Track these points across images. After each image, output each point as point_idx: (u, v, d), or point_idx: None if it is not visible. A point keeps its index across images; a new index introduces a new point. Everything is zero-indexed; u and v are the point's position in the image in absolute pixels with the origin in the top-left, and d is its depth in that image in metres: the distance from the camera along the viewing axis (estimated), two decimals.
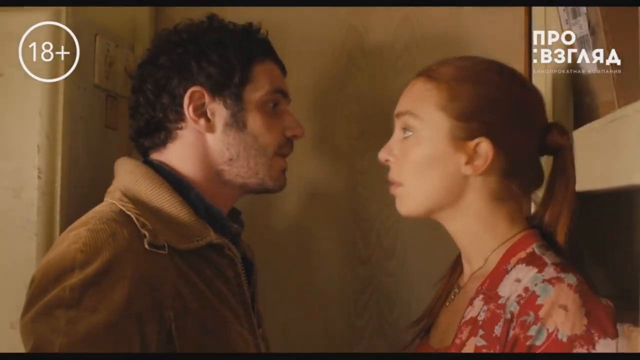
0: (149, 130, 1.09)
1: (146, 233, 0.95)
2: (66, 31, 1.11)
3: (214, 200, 1.08)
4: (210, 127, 1.07)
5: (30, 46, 1.09)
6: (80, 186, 1.16)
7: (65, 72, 1.11)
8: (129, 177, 1.05)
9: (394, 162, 1.04)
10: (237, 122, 1.08)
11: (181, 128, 1.08)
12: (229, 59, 1.08)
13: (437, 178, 1.00)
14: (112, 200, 1.01)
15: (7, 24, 1.10)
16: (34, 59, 1.09)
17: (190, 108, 1.06)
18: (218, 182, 1.10)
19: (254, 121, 1.08)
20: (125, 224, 0.95)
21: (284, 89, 1.15)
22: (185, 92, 1.06)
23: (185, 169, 1.08)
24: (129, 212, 0.97)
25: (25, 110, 1.09)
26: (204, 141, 1.08)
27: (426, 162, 1.00)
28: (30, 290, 0.90)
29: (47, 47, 1.10)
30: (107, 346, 0.84)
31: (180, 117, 1.07)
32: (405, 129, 1.03)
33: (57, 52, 1.10)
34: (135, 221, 0.96)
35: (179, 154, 1.09)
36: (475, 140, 0.98)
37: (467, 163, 0.98)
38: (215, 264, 1.04)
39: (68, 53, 1.11)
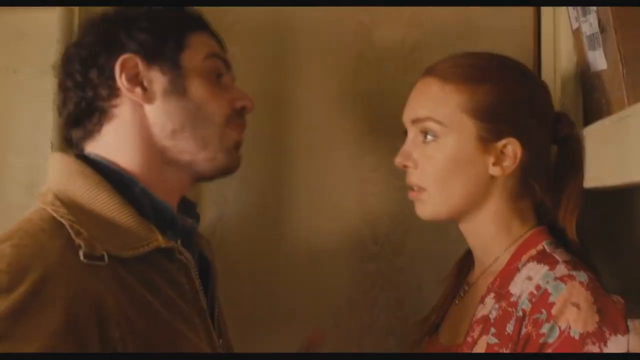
0: (80, 114, 0.97)
1: (81, 243, 0.82)
2: (77, 29, 1.12)
3: (161, 193, 0.96)
4: (148, 97, 0.96)
5: (43, 43, 1.10)
6: None
7: None
8: (61, 176, 0.92)
9: (414, 167, 1.03)
10: (176, 88, 0.97)
11: (115, 105, 0.96)
12: (161, 26, 0.98)
13: (464, 182, 0.99)
14: (44, 204, 0.88)
15: (21, 22, 1.11)
16: (47, 56, 1.09)
17: (123, 77, 0.94)
18: (162, 165, 0.98)
19: (195, 88, 0.97)
20: (56, 235, 0.83)
21: (224, 57, 1.05)
22: (115, 62, 0.95)
23: (125, 155, 0.96)
24: (61, 219, 0.85)
25: (39, 107, 1.10)
26: (142, 115, 0.96)
27: (452, 166, 0.99)
28: None
29: (60, 44, 1.10)
30: None
31: (113, 92, 0.95)
32: (425, 133, 1.01)
33: None
34: (69, 229, 0.84)
35: (115, 137, 0.96)
36: (503, 141, 0.98)
37: (494, 164, 0.98)
38: (165, 270, 0.92)
39: None
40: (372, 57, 1.48)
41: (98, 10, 1.01)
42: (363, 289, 1.48)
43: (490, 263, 1.03)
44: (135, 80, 0.96)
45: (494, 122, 0.98)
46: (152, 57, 0.96)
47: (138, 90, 0.95)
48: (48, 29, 1.10)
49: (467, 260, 1.13)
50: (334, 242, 1.49)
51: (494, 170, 0.98)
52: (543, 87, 1.05)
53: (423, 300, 1.42)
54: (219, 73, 1.02)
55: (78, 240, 0.82)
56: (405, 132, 1.07)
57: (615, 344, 0.86)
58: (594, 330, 0.86)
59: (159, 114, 0.96)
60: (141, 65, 0.96)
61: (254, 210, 1.27)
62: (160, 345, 0.86)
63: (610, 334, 0.86)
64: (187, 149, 0.97)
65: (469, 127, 0.98)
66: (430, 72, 1.04)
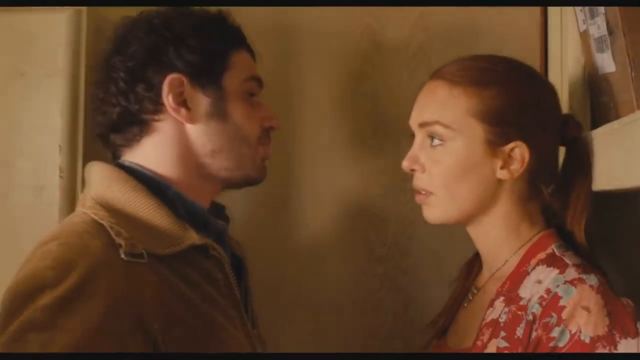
0: (122, 124, 1.01)
1: (122, 242, 0.88)
2: (86, 31, 1.12)
3: (194, 198, 1.02)
4: (191, 117, 1.01)
5: (51, 46, 1.10)
6: None
7: (86, 72, 1.12)
8: (100, 182, 0.98)
9: (421, 171, 1.03)
10: (218, 111, 1.02)
11: (159, 120, 1.00)
12: (207, 46, 1.02)
13: (471, 185, 0.99)
14: (84, 209, 0.94)
15: (28, 24, 1.11)
16: (56, 59, 1.09)
17: (170, 96, 0.99)
18: (198, 177, 1.03)
19: (235, 110, 1.03)
20: (99, 235, 0.88)
21: (259, 77, 1.09)
22: (163, 80, 0.99)
23: (162, 166, 1.01)
24: (101, 221, 0.90)
25: (47, 110, 1.10)
26: (183, 133, 1.01)
27: (460, 170, 0.99)
28: (0, 312, 0.82)
29: (68, 47, 1.10)
30: None
31: (158, 107, 1.00)
32: (432, 137, 1.01)
33: (77, 52, 1.11)
34: (109, 230, 0.89)
35: (154, 149, 1.01)
36: (511, 145, 0.97)
37: (502, 168, 0.98)
38: (201, 266, 0.98)
39: (88, 53, 1.12)
40: (378, 59, 1.48)
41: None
42: (370, 291, 1.48)
43: (499, 266, 1.03)
44: (180, 99, 1.00)
45: (502, 126, 0.97)
46: (197, 78, 1.01)
47: (183, 111, 1.00)
48: (56, 31, 1.10)
49: (475, 262, 1.13)
50: (341, 244, 1.49)
51: (502, 174, 0.98)
52: (551, 90, 1.05)
53: (429, 303, 1.42)
54: (252, 93, 1.07)
55: (119, 240, 0.88)
56: (412, 135, 1.06)
57: (626, 347, 0.86)
58: (604, 334, 0.86)
59: (200, 135, 1.01)
60: (187, 86, 1.00)
61: (260, 212, 1.27)
62: (200, 335, 0.92)
63: (620, 337, 0.86)
64: (224, 166, 1.04)
65: (477, 131, 0.98)
66: (437, 75, 1.04)
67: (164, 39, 1.00)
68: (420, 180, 1.03)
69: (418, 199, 1.05)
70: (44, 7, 1.12)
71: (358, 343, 1.47)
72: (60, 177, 1.09)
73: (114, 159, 1.05)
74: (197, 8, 1.06)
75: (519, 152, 0.97)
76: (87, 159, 1.11)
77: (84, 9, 1.12)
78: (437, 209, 1.03)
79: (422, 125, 1.02)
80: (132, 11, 1.33)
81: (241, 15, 1.15)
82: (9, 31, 1.11)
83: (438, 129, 1.00)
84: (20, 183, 1.10)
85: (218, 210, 1.12)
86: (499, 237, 1.02)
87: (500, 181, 0.99)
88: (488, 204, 1.01)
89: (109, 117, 1.01)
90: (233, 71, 1.04)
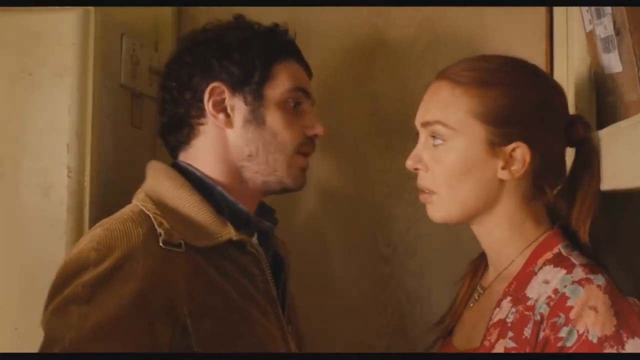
0: (173, 127, 1.12)
1: (162, 232, 0.97)
2: (94, 31, 1.12)
3: (237, 199, 1.09)
4: (229, 123, 1.09)
5: (59, 46, 1.10)
6: (108, 185, 1.17)
7: (93, 71, 1.12)
8: (154, 179, 1.08)
9: (425, 170, 1.03)
10: (256, 119, 1.09)
11: (202, 124, 1.10)
12: (250, 57, 1.09)
13: (473, 185, 0.99)
14: (136, 201, 1.04)
15: (37, 24, 1.11)
16: (63, 59, 1.10)
17: (210, 103, 1.08)
18: (239, 180, 1.11)
19: (273, 118, 1.09)
20: (142, 224, 0.97)
21: (306, 88, 1.15)
22: (206, 88, 1.08)
23: (209, 167, 1.10)
24: (147, 212, 1.00)
25: (55, 110, 1.10)
26: (224, 137, 1.10)
27: (461, 170, 0.99)
28: (50, 288, 0.93)
29: (76, 46, 1.11)
30: (115, 339, 0.86)
31: (202, 112, 1.09)
32: (435, 137, 1.02)
33: (85, 52, 1.11)
34: (153, 220, 0.98)
35: (202, 151, 1.10)
36: (512, 145, 0.97)
37: (503, 168, 0.98)
38: (238, 261, 1.05)
39: (96, 53, 1.12)
40: (384, 58, 1.49)
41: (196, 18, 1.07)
42: (375, 291, 1.48)
43: (505, 266, 1.03)
44: (220, 106, 1.09)
45: (503, 127, 0.97)
46: (238, 87, 1.09)
47: (222, 116, 1.09)
48: (64, 31, 1.10)
49: (481, 262, 1.13)
50: (346, 244, 1.49)
51: (503, 174, 0.98)
52: (557, 90, 1.05)
53: (434, 303, 1.43)
54: (297, 102, 1.13)
55: (159, 229, 0.97)
56: (417, 135, 1.07)
57: (634, 347, 0.86)
58: (612, 334, 0.86)
59: (238, 139, 1.10)
60: (227, 94, 1.09)
61: None
62: (231, 324, 0.99)
63: (627, 337, 0.86)
64: (260, 171, 1.11)
65: (478, 131, 0.98)
66: (441, 75, 1.04)
67: (211, 51, 1.09)
68: (423, 180, 1.04)
69: (422, 197, 1.05)
70: (52, 7, 1.12)
71: (364, 343, 1.48)
72: (68, 176, 1.09)
73: (173, 159, 1.15)
74: (253, 22, 1.15)
75: (520, 152, 0.97)
76: (94, 159, 1.12)
77: (91, 9, 1.12)
78: (439, 208, 1.03)
79: (425, 124, 1.03)
80: (136, 10, 1.35)
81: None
82: (17, 31, 1.11)
83: (440, 128, 1.00)
84: (28, 182, 1.10)
85: (267, 212, 1.21)
86: (503, 237, 1.02)
87: (502, 181, 0.99)
88: (490, 203, 1.01)
89: (163, 120, 1.14)
90: (276, 81, 1.11)
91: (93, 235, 0.95)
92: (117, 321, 0.87)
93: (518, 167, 0.98)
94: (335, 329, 1.48)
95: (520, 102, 0.98)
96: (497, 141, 0.98)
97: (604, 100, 1.20)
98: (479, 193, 1.00)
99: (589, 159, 1.01)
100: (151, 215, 0.99)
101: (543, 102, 1.00)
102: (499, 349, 0.94)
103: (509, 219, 1.01)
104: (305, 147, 1.15)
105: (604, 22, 1.09)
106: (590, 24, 1.17)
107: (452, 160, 1.00)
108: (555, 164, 1.02)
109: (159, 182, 1.07)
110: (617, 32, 1.05)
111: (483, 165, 0.99)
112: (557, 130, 1.01)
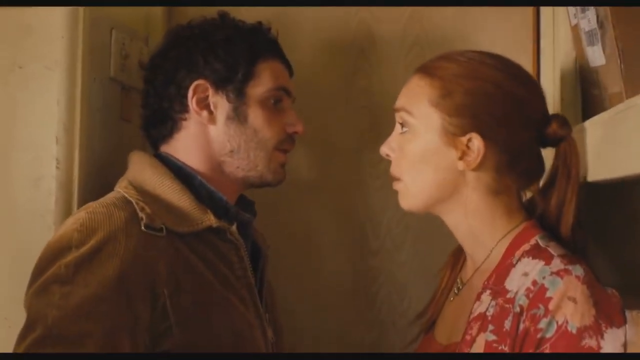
0: (157, 120, 1.15)
1: (143, 216, 1.00)
2: (83, 24, 1.13)
3: (218, 190, 1.12)
4: (212, 119, 1.12)
5: (49, 39, 1.10)
6: (97, 177, 1.18)
7: (83, 64, 1.13)
8: (136, 167, 1.11)
9: (394, 157, 1.06)
10: (238, 116, 1.12)
11: (185, 119, 1.12)
12: (234, 56, 1.12)
13: (432, 173, 1.01)
14: (119, 188, 1.06)
15: (26, 17, 1.11)
16: (53, 52, 1.10)
17: (194, 100, 1.11)
18: (220, 173, 1.14)
19: (255, 116, 1.12)
20: (124, 208, 1.00)
21: (287, 88, 1.18)
22: (190, 84, 1.11)
23: (191, 159, 1.13)
24: (130, 198, 1.02)
25: (44, 102, 1.10)
26: (206, 133, 1.13)
27: (420, 157, 1.01)
28: (33, 269, 0.95)
29: (65, 40, 1.11)
30: (97, 318, 0.88)
31: (185, 108, 1.12)
32: (402, 124, 1.04)
33: (74, 45, 1.12)
34: (135, 205, 1.01)
35: (184, 144, 1.13)
36: (467, 136, 0.98)
37: (460, 158, 0.99)
38: (218, 248, 1.08)
39: (85, 46, 1.13)
40: (373, 54, 1.50)
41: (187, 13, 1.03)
42: (364, 283, 1.49)
43: (482, 260, 1.03)
44: (204, 103, 1.12)
45: (459, 117, 0.98)
46: (221, 85, 1.11)
47: (204, 113, 1.11)
48: (54, 24, 1.10)
49: (461, 252, 1.13)
50: (335, 237, 1.50)
51: (459, 165, 0.99)
52: (530, 89, 1.03)
53: (423, 295, 1.43)
54: (278, 100, 1.16)
55: (141, 214, 1.00)
56: None
57: (612, 337, 0.86)
58: (591, 324, 0.86)
59: (220, 135, 1.12)
60: (211, 91, 1.11)
61: (255, 206, 1.27)
62: (209, 306, 1.02)
63: (606, 327, 0.87)
64: (241, 166, 1.14)
65: (435, 120, 1.00)
66: (420, 66, 1.07)
67: (197, 47, 1.12)
68: (392, 167, 1.07)
69: (393, 185, 1.07)
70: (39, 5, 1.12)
71: (353, 335, 1.49)
72: (57, 168, 1.10)
73: (154, 151, 1.17)
74: (238, 20, 1.17)
75: (476, 143, 0.98)
76: (83, 151, 1.13)
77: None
78: (404, 195, 1.06)
79: (395, 110, 1.06)
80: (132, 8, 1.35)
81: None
82: (6, 24, 1.11)
83: (404, 115, 1.03)
84: (18, 174, 1.10)
85: (247, 204, 1.24)
86: (473, 228, 1.03)
87: (462, 172, 1.00)
88: (450, 193, 1.02)
89: (146, 114, 1.16)
90: (258, 80, 1.13)
91: (76, 218, 0.98)
92: (98, 300, 0.89)
93: (472, 158, 0.98)
94: (325, 321, 1.49)
95: (481, 96, 0.98)
96: (453, 131, 0.99)
97: (589, 93, 1.21)
98: (437, 181, 1.01)
99: (566, 158, 1.00)
100: (133, 201, 1.02)
101: (508, 98, 0.99)
102: (480, 342, 0.94)
103: (475, 210, 1.01)
104: (285, 144, 1.17)
105: (588, 16, 1.10)
106: (575, 17, 1.18)
107: (412, 148, 1.02)
108: (520, 160, 1.01)
109: (141, 171, 1.09)
110: (600, 25, 1.06)
111: (440, 154, 1.00)
112: (524, 127, 1.00)
